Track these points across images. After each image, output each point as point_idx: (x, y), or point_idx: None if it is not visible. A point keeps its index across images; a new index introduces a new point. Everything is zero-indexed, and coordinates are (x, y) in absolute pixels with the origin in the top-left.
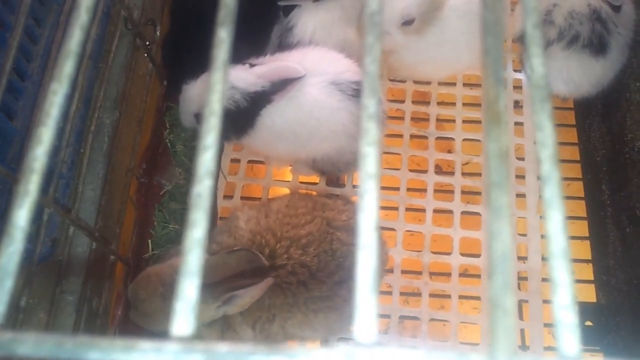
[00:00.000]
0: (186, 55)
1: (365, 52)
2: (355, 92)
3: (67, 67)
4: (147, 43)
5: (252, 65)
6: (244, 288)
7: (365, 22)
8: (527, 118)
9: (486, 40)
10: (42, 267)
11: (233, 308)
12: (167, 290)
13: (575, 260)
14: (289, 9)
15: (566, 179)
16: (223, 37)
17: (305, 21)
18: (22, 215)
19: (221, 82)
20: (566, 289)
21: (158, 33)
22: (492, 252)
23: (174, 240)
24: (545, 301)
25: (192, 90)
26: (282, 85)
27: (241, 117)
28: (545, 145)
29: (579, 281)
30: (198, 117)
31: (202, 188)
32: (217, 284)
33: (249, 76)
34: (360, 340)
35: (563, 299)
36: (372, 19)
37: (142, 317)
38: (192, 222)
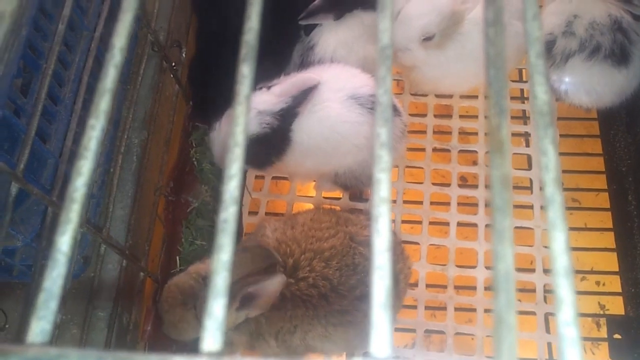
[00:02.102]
0: (211, 78)
1: (377, 83)
2: (374, 106)
3: (103, 104)
4: (173, 64)
5: (269, 88)
6: (257, 284)
7: (377, 55)
8: None
9: (489, 72)
10: (74, 284)
11: (253, 310)
12: (186, 297)
13: (603, 273)
14: (310, 28)
15: (593, 190)
16: (245, 73)
17: (327, 39)
18: (65, 241)
19: (244, 115)
20: (569, 305)
21: (184, 55)
22: (497, 272)
23: (201, 256)
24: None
25: (220, 134)
26: (302, 96)
27: (277, 136)
28: (549, 169)
29: (606, 293)
30: None
31: (228, 214)
32: (233, 283)
33: (270, 97)
34: (376, 354)
35: (566, 315)
36: (384, 52)
37: (170, 328)
38: (219, 246)
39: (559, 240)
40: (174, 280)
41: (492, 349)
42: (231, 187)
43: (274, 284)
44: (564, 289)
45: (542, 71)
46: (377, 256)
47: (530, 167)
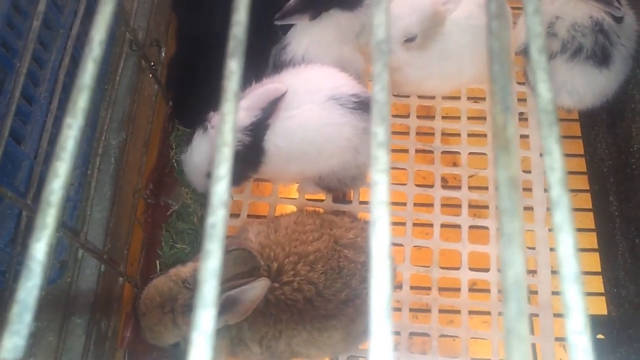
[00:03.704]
0: (191, 78)
1: (373, 80)
2: (355, 105)
3: (81, 101)
4: (152, 64)
5: None
6: (237, 288)
7: (373, 50)
8: (532, 130)
9: (493, 68)
10: (51, 290)
11: (234, 316)
12: (165, 300)
13: (585, 273)
14: (287, 28)
15: (573, 190)
16: (233, 68)
17: (299, 40)
18: (40, 248)
19: (233, 113)
20: (579, 313)
21: (163, 54)
22: (506, 279)
23: (182, 260)
24: (557, 315)
25: (195, 154)
26: (271, 107)
27: (251, 151)
28: (554, 169)
29: (589, 294)
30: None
31: (216, 218)
32: None
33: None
34: None
35: (576, 323)
36: (380, 47)
37: (147, 332)
38: (207, 252)
39: (566, 244)
40: (153, 282)
41: (476, 350)
42: (219, 190)
43: (256, 288)
44: (573, 295)
45: (545, 67)
46: (375, 262)
47: None
